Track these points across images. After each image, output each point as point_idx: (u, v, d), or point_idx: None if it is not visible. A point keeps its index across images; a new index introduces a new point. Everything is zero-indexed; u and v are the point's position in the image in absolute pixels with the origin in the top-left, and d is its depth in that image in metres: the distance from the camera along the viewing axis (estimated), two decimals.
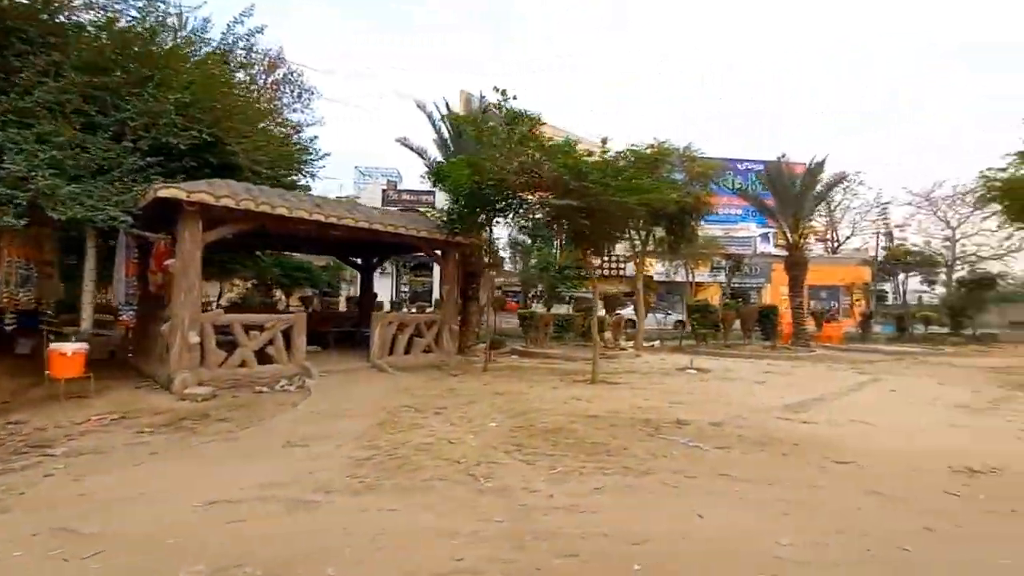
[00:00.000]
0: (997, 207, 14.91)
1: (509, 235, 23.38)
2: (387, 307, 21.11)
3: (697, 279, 30.78)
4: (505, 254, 24.64)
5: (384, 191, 27.94)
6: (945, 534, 3.21)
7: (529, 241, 21.69)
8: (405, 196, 28.33)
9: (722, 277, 28.56)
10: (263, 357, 7.74)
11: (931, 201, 31.18)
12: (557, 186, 7.80)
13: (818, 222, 47.15)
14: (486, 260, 11.94)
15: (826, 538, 3.11)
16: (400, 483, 3.76)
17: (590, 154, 9.48)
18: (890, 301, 31.06)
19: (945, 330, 21.83)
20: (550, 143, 8.82)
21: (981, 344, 18.85)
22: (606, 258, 29.82)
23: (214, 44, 10.39)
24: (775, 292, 33.53)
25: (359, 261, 12.30)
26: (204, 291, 18.83)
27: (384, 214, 9.13)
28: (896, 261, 22.28)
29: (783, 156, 16.31)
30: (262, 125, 11.86)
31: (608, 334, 14.04)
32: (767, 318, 15.27)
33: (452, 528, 3.09)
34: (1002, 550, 3.00)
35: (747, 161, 33.78)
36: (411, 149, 12.61)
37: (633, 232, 14.98)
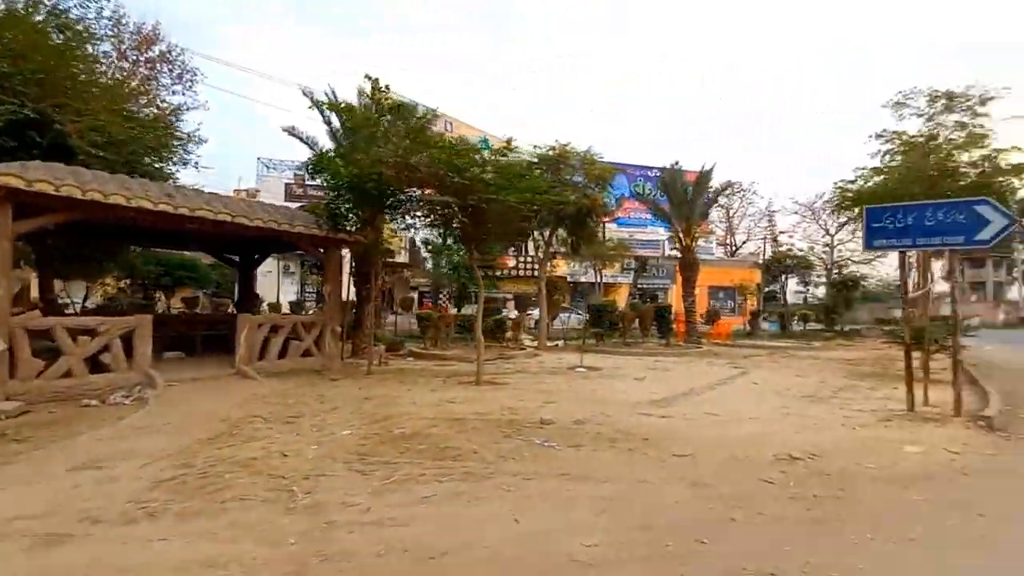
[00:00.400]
0: (851, 215, 16.65)
1: (418, 234, 22.88)
2: (285, 308, 19.85)
3: (609, 280, 32.00)
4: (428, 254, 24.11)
5: (288, 185, 26.33)
6: (745, 523, 3.32)
7: (440, 241, 21.30)
8: (313, 192, 26.91)
9: (632, 278, 29.86)
10: (99, 366, 6.83)
11: (813, 211, 34.56)
12: (436, 182, 7.56)
13: (719, 227, 50.85)
14: (389, 259, 11.47)
15: (631, 535, 3.10)
16: (193, 506, 3.33)
17: (504, 152, 9.34)
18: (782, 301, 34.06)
19: (820, 327, 24.19)
20: (438, 142, 8.56)
21: (847, 339, 21.01)
22: (522, 258, 30.25)
23: (62, 10, 9.14)
24: (679, 293, 35.63)
25: (237, 259, 11.32)
26: (66, 293, 16.68)
27: (254, 208, 8.41)
28: (778, 264, 24.35)
29: (676, 163, 17.26)
30: (129, 105, 10.63)
31: (510, 333, 14.02)
32: (662, 317, 16.02)
33: (229, 556, 2.73)
34: (788, 536, 3.13)
35: (652, 168, 35.43)
36: (300, 139, 11.83)
37: (536, 233, 15.12)
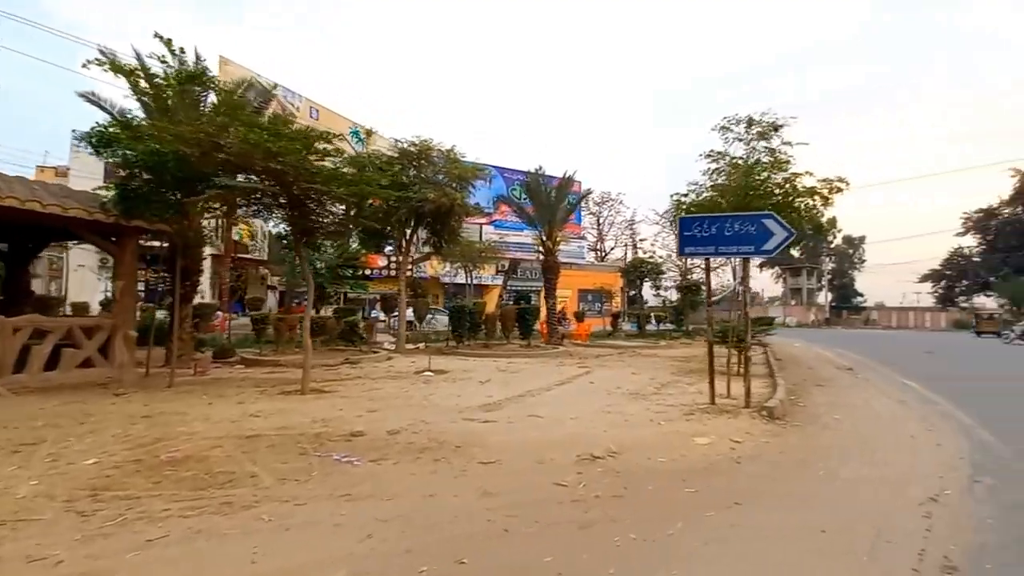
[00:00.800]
0: None
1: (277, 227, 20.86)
2: (96, 309, 16.81)
3: (486, 282, 32.22)
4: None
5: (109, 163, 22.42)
6: (517, 534, 3.17)
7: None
8: None
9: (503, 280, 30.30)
10: None
11: (671, 221, 38.16)
12: (248, 166, 6.67)
13: (591, 233, 54.03)
14: (243, 255, 10.02)
15: (387, 563, 2.78)
16: None
17: (328, 139, 8.48)
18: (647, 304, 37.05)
19: (672, 327, 26.64)
20: (256, 122, 7.58)
21: (689, 338, 23.31)
22: (396, 258, 29.14)
23: None
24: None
25: (4, 249, 9.11)
26: None
27: (11, 184, 6.71)
28: (635, 270, 26.38)
29: (540, 168, 17.74)
30: None
31: (365, 336, 13.21)
32: (524, 318, 16.29)
33: None
34: (555, 545, 3.03)
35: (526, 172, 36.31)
36: (100, 107, 9.93)
37: (398, 231, 14.49)
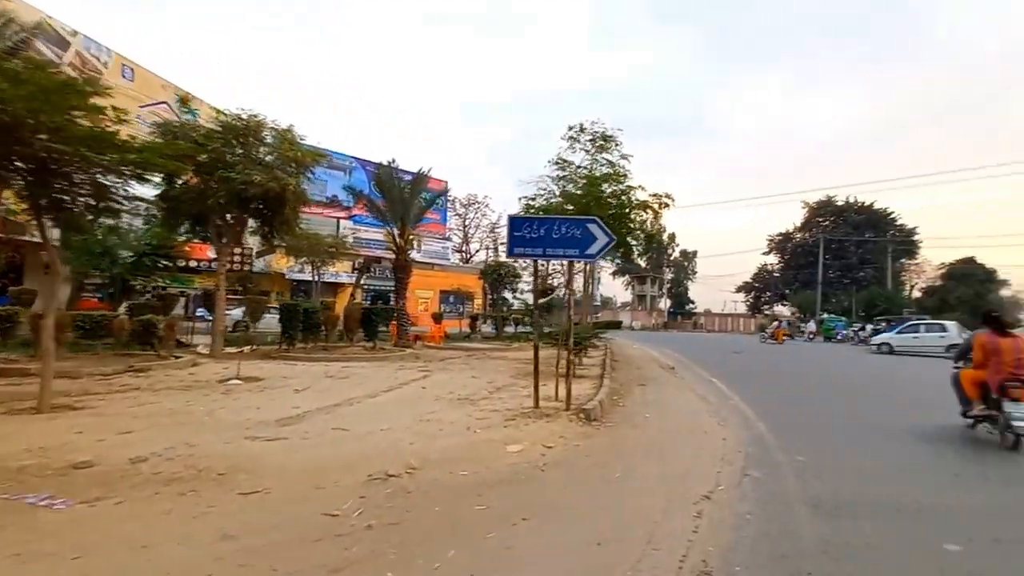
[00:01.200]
0: None
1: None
2: None
3: (342, 280, 30.06)
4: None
5: None
6: None
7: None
8: None
9: (363, 279, 28.56)
10: None
11: None
12: None
13: (457, 235, 53.95)
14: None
15: None
16: None
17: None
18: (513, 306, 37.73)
19: (529, 330, 27.41)
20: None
21: (542, 340, 24.12)
22: (237, 250, 25.75)
23: None
24: (411, 295, 36.03)
25: None
26: None
27: None
28: (493, 272, 26.69)
29: (393, 161, 16.87)
30: None
31: (164, 336, 11.15)
32: (370, 319, 15.24)
33: None
34: None
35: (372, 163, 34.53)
36: None
37: (216, 217, 12.55)
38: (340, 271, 29.49)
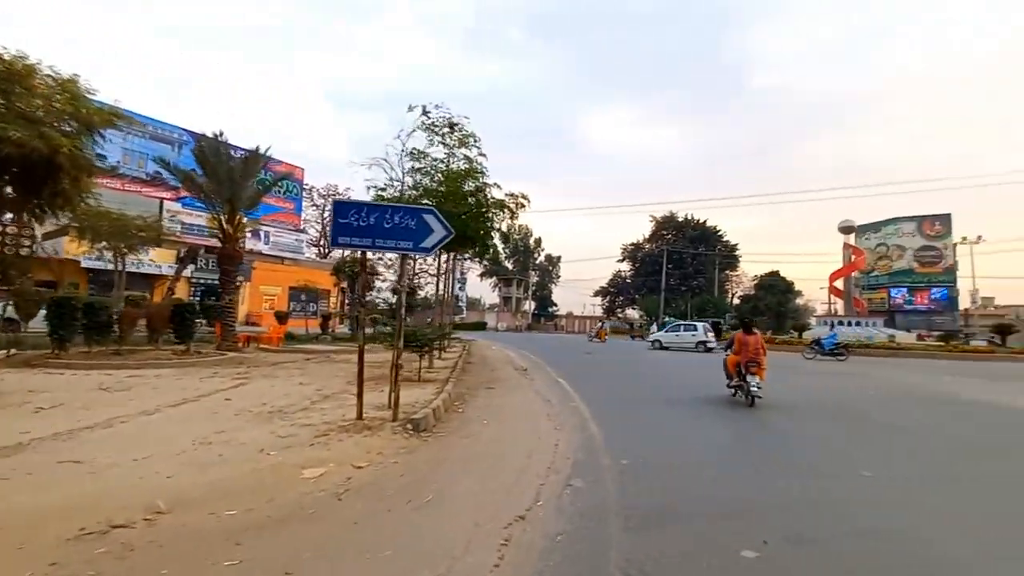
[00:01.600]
0: None
1: None
2: None
3: (162, 271, 25.53)
4: None
5: None
6: None
7: None
8: None
9: (191, 271, 24.57)
10: None
11: None
12: None
13: (315, 227, 49.95)
14: None
15: None
16: None
17: None
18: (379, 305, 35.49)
19: (388, 330, 25.98)
20: None
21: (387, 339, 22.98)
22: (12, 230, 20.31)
23: None
24: (255, 292, 32.21)
25: None
26: None
27: None
28: (347, 269, 24.87)
29: (221, 133, 14.51)
30: None
31: None
32: (183, 317, 12.82)
33: None
34: None
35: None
36: None
37: None
38: (162, 261, 25.08)
